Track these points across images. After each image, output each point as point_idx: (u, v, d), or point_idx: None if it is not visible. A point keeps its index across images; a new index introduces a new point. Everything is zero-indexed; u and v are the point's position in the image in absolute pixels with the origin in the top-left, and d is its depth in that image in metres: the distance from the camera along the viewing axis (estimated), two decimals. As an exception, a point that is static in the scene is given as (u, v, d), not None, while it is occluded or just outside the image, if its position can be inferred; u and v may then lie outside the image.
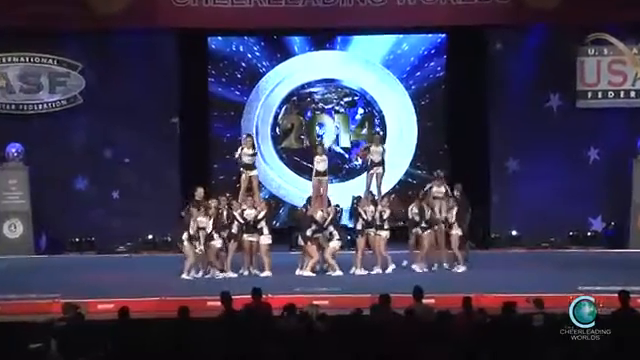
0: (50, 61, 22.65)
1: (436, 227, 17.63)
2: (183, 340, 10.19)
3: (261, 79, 23.50)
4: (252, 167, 18.13)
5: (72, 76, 22.62)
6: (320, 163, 18.14)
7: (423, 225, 17.56)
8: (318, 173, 18.13)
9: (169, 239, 22.06)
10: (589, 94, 22.46)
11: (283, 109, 23.77)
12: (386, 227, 17.38)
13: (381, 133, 20.45)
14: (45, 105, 22.71)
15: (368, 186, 18.02)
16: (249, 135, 18.94)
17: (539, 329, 10.33)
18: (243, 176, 18.06)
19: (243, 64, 23.49)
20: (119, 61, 22.29)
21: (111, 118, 22.45)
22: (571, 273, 16.75)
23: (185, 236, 17.15)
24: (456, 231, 17.66)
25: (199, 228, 17.06)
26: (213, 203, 17.42)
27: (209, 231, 17.05)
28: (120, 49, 22.27)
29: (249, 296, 11.89)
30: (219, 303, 13.09)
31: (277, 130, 23.81)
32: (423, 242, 17.53)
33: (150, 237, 22.40)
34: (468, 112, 22.50)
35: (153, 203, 22.19)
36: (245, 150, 18.03)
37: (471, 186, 19.99)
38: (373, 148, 18.19)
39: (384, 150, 18.31)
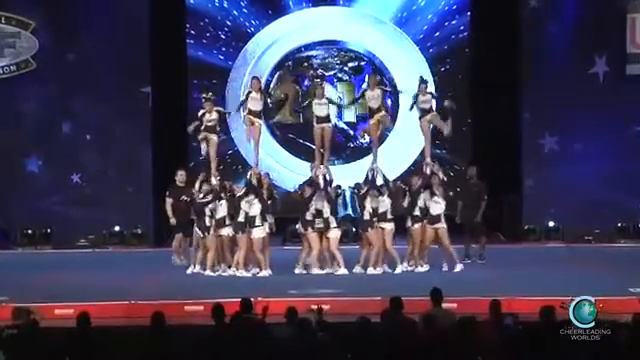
0: (-4, 19, 22.66)
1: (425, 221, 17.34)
2: (157, 353, 10.21)
3: (249, 41, 23.48)
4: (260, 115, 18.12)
5: (23, 36, 22.58)
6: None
7: (416, 214, 17.43)
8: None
9: (139, 231, 22.10)
10: (642, 58, 22.50)
11: (276, 76, 23.76)
12: (389, 218, 17.30)
13: (378, 77, 20.17)
14: (-9, 71, 22.73)
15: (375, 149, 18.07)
16: (255, 77, 18.73)
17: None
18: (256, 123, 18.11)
19: (228, 22, 23.47)
20: (79, 19, 22.27)
21: (70, 87, 22.45)
22: (620, 272, 16.76)
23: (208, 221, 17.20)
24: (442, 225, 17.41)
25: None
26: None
27: (221, 216, 17.14)
28: (81, 4, 22.25)
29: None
30: (200, 307, 13.16)
31: (268, 102, 23.77)
32: (413, 237, 17.37)
33: (117, 229, 22.43)
34: (496, 80, 22.47)
35: (120, 189, 22.24)
36: (253, 95, 17.90)
37: (499, 168, 20.01)
38: (369, 93, 18.06)
39: (385, 93, 18.14)
